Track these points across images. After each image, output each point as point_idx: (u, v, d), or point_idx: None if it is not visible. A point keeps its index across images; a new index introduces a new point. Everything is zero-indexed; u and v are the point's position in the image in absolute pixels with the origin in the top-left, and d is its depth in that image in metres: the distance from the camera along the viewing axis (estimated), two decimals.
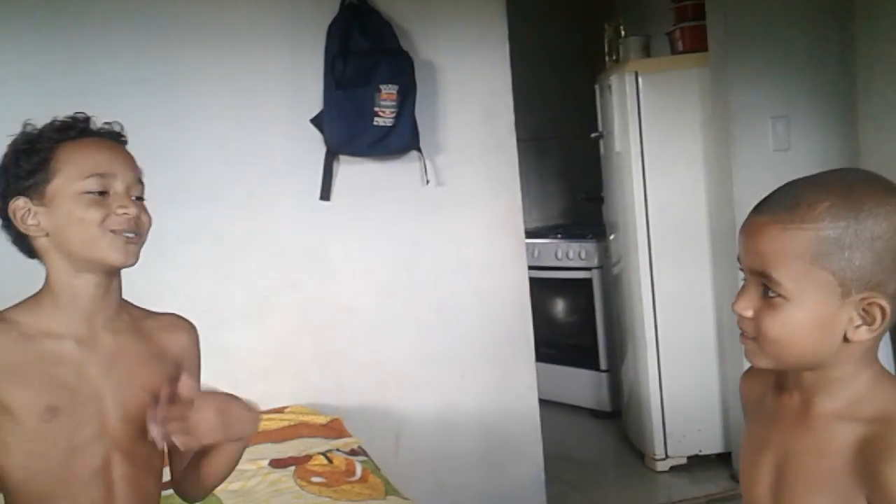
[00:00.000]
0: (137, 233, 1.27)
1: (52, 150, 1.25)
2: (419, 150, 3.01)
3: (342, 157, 2.99)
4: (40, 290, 1.29)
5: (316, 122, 2.95)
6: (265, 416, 2.80)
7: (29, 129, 1.29)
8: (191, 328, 1.43)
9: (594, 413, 4.62)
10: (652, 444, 3.82)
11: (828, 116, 3.51)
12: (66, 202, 1.24)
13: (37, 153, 1.25)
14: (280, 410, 2.86)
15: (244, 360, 2.95)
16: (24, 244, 1.28)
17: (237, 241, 2.94)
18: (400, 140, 2.95)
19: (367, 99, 2.86)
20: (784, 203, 1.02)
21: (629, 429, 4.16)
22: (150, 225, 1.29)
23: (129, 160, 1.30)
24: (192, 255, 2.86)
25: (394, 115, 2.89)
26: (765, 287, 1.03)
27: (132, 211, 1.25)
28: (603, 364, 4.55)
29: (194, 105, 2.87)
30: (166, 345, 1.38)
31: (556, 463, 3.65)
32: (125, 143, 1.33)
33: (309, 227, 3.01)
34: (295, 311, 3.02)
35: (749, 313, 1.04)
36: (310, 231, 3.01)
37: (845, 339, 1.02)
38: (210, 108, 2.88)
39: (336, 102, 2.88)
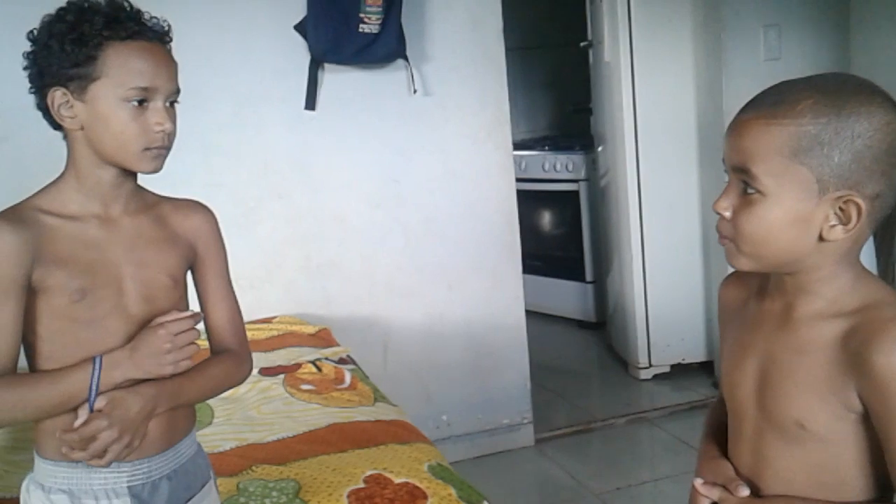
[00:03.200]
0: (168, 146, 1.30)
1: (100, 46, 1.23)
2: (406, 58, 2.96)
3: (327, 66, 2.94)
4: (61, 176, 1.31)
5: (300, 28, 2.89)
6: (254, 326, 2.82)
7: (73, 8, 1.26)
8: (206, 212, 1.45)
9: (580, 323, 4.69)
10: (636, 353, 3.89)
11: (820, 25, 3.47)
12: (107, 106, 1.24)
13: (84, 46, 1.23)
14: (268, 321, 2.88)
15: (233, 271, 2.92)
16: (52, 120, 1.28)
17: (224, 151, 2.91)
18: (386, 48, 2.90)
19: (353, 5, 2.80)
20: (769, 100, 1.01)
21: (614, 339, 4.22)
22: (175, 134, 1.32)
23: (173, 69, 1.30)
24: (178, 166, 2.81)
25: (379, 21, 2.83)
26: (744, 185, 1.03)
27: (168, 127, 1.27)
28: (589, 275, 4.59)
29: (177, 12, 2.78)
30: (181, 228, 1.40)
31: (542, 372, 3.71)
32: (171, 41, 1.33)
33: (295, 137, 2.97)
34: (283, 222, 3.01)
35: (728, 213, 1.04)
36: (296, 141, 2.98)
37: (821, 239, 1.02)
38: (193, 14, 2.81)
39: (320, 8, 2.82)
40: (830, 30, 3.47)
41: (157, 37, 1.29)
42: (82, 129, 1.26)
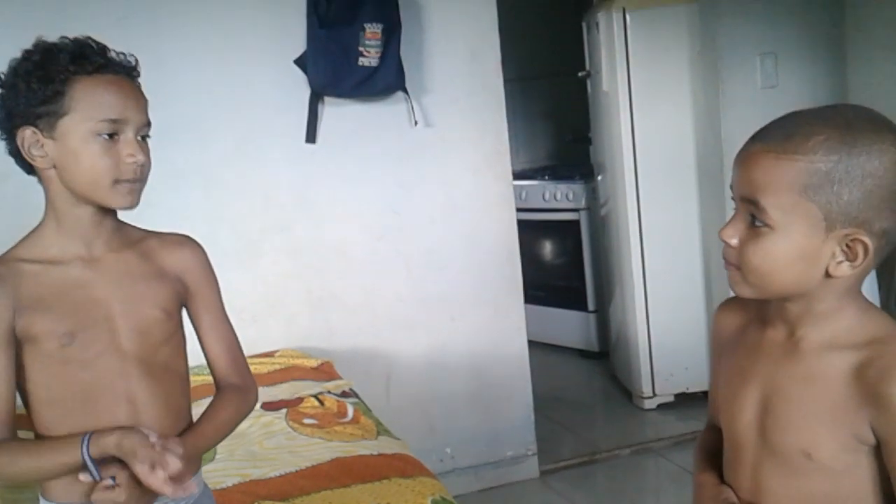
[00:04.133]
0: (142, 178, 1.29)
1: (67, 82, 1.23)
2: (405, 90, 2.97)
3: (327, 99, 2.95)
4: (41, 222, 1.31)
5: (300, 62, 2.90)
6: (255, 360, 2.81)
7: (39, 49, 1.26)
8: (194, 245, 1.44)
9: (582, 353, 4.66)
10: (640, 382, 3.86)
11: (816, 53, 3.49)
12: (77, 141, 1.24)
13: (51, 82, 1.23)
14: (270, 354, 2.87)
15: (234, 305, 2.89)
16: (25, 163, 1.28)
17: (226, 186, 2.91)
18: (385, 80, 2.91)
19: (352, 38, 2.81)
20: (780, 133, 1.01)
21: (617, 368, 4.20)
22: (150, 167, 1.30)
23: (142, 101, 1.29)
24: (181, 201, 2.83)
25: (379, 54, 2.85)
26: (752, 216, 1.03)
27: (140, 159, 1.26)
28: (591, 305, 4.58)
29: (178, 48, 2.81)
30: (168, 263, 1.39)
31: (546, 403, 3.69)
32: (138, 76, 1.32)
33: (296, 170, 2.98)
34: (285, 255, 3.00)
35: (734, 241, 1.05)
36: (298, 175, 2.98)
37: (827, 275, 1.02)
38: (194, 50, 2.83)
39: (319, 42, 2.83)
40: (826, 57, 3.49)
41: (124, 71, 1.29)
42: (54, 167, 1.26)
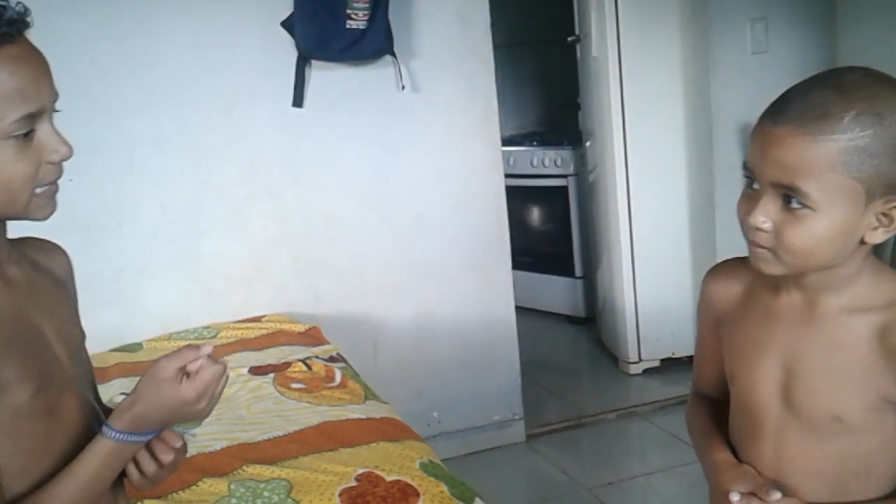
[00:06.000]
0: (61, 174, 1.02)
1: None
2: (393, 54, 2.94)
3: (314, 63, 2.92)
4: None
5: (286, 25, 2.87)
6: (243, 325, 2.81)
7: None
8: (63, 250, 1.20)
9: (569, 319, 4.69)
10: (626, 348, 3.89)
11: (806, 18, 3.48)
12: None
13: None
14: (257, 319, 2.87)
15: (221, 270, 2.94)
16: None
17: (212, 150, 2.88)
18: (373, 44, 2.88)
19: (339, 1, 2.78)
20: (809, 113, 0.99)
21: (604, 334, 4.23)
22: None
23: (48, 71, 0.99)
24: (166, 165, 2.81)
25: (367, 17, 2.82)
26: (786, 198, 1.01)
27: (65, 151, 0.99)
28: (578, 271, 4.59)
29: (163, 11, 2.77)
30: (54, 268, 1.15)
31: (532, 368, 3.71)
32: (28, 27, 0.98)
33: (283, 134, 2.96)
34: (272, 221, 2.99)
35: (767, 225, 1.03)
36: (284, 139, 2.96)
37: (861, 242, 1.04)
38: (179, 13, 2.78)
39: (307, 4, 2.80)
40: (817, 22, 3.48)
41: (17, 30, 0.96)
42: None
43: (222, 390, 1.11)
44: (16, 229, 1.10)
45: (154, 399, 1.04)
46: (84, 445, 1.05)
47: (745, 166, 1.06)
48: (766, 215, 1.03)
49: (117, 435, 1.04)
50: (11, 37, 0.94)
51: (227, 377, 1.12)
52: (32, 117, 0.96)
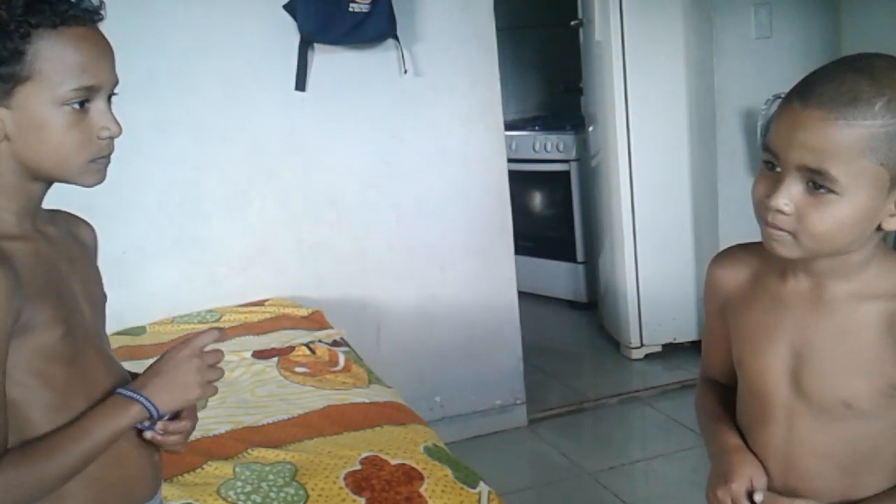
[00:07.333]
0: (112, 151, 1.11)
1: (26, 38, 1.01)
2: (396, 38, 2.93)
3: (317, 46, 2.91)
4: None
5: (289, 8, 2.86)
6: (246, 309, 2.82)
7: None
8: (90, 224, 1.28)
9: (571, 304, 4.69)
10: (627, 333, 3.90)
11: (810, 3, 3.46)
12: (40, 112, 1.04)
13: (7, 39, 1.01)
14: (261, 303, 2.87)
15: (224, 253, 2.94)
16: None
17: (214, 133, 2.88)
18: (376, 27, 2.87)
19: None
20: (840, 97, 0.98)
21: (605, 319, 4.23)
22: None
23: (112, 56, 1.09)
24: (168, 147, 2.81)
25: (369, 1, 2.81)
26: (811, 181, 1.01)
27: (115, 130, 1.08)
28: (580, 256, 4.59)
29: None
30: (82, 236, 1.24)
31: (535, 353, 3.72)
32: (102, 19, 1.10)
33: (285, 118, 2.95)
34: (274, 204, 2.99)
35: (790, 208, 1.02)
36: (287, 122, 2.96)
37: (878, 228, 1.04)
38: None
39: None
40: (821, 8, 3.46)
41: (90, 18, 1.07)
42: (7, 139, 1.05)
43: (221, 369, 1.18)
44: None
45: (159, 365, 1.14)
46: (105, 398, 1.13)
47: (767, 148, 1.05)
48: (789, 198, 1.02)
49: (125, 390, 1.12)
50: (83, 20, 1.06)
51: (222, 354, 1.19)
52: (88, 90, 1.05)
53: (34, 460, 1.04)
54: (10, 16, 1.00)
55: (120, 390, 1.12)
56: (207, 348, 1.16)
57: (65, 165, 1.08)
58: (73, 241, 1.20)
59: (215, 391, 1.18)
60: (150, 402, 1.11)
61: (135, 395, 1.11)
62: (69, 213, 1.25)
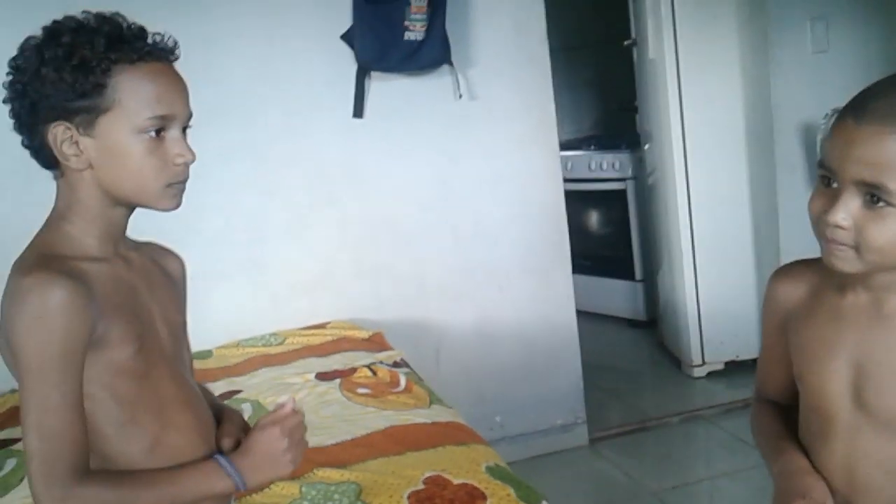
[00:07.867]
0: (187, 178, 1.18)
1: (108, 72, 1.09)
2: (451, 63, 2.98)
3: (374, 74, 2.98)
4: (60, 218, 1.16)
5: (346, 38, 2.93)
6: (308, 332, 2.87)
7: (67, 28, 1.10)
8: (179, 256, 1.37)
9: (630, 322, 4.67)
10: (689, 351, 3.86)
11: (867, 17, 3.43)
12: (120, 140, 1.11)
13: (90, 73, 1.08)
14: (322, 326, 2.92)
15: (286, 277, 3.01)
16: (46, 158, 1.13)
17: (276, 160, 2.96)
18: (431, 54, 2.93)
19: (397, 13, 2.83)
20: (894, 112, 0.99)
21: (665, 337, 4.20)
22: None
23: (186, 91, 1.17)
24: (231, 175, 2.89)
25: (424, 28, 2.86)
26: (869, 195, 1.02)
27: (190, 158, 1.15)
28: (638, 274, 4.57)
29: (226, 27, 2.85)
30: (168, 267, 1.31)
31: (594, 372, 3.70)
32: (177, 59, 1.18)
33: (345, 144, 3.01)
34: (334, 228, 3.05)
35: (848, 223, 1.03)
36: (346, 148, 3.02)
37: None
38: (242, 28, 2.87)
39: (365, 17, 2.86)
40: (878, 21, 3.42)
41: (165, 56, 1.16)
42: (90, 167, 1.12)
43: (305, 439, 1.28)
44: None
45: (252, 444, 1.21)
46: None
47: (822, 164, 1.06)
48: (846, 213, 1.03)
49: (225, 462, 1.19)
50: (158, 57, 1.14)
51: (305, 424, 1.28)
52: (163, 119, 1.13)
53: (125, 484, 1.13)
54: (93, 53, 1.09)
55: (222, 462, 1.19)
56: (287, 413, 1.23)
57: (143, 190, 1.15)
58: (156, 268, 1.28)
59: (300, 458, 1.25)
60: (242, 481, 1.19)
61: (233, 475, 1.18)
62: (159, 245, 1.33)
